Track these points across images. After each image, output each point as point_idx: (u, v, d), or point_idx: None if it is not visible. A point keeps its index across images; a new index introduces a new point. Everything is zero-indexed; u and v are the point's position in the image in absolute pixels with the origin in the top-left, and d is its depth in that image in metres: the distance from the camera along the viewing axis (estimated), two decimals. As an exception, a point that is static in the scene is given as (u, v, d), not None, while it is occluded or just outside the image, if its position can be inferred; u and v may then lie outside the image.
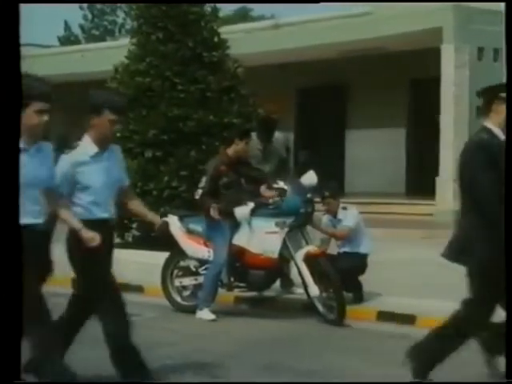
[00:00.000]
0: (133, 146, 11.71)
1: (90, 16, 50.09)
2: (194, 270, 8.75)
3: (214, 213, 8.23)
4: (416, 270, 11.04)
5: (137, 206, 6.10)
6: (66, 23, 50.62)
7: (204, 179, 8.43)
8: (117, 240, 12.49)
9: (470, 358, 5.92)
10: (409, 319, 8.02)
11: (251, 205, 8.29)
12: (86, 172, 5.64)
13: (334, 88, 20.86)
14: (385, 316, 8.20)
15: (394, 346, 7.29)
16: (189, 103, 11.69)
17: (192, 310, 8.50)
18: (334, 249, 9.05)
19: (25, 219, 4.95)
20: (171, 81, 11.81)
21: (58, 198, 5.44)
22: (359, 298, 8.75)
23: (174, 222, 8.73)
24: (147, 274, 9.79)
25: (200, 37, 12.11)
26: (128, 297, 9.53)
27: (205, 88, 11.85)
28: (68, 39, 49.24)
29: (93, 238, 5.45)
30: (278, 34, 19.33)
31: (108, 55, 16.01)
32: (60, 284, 10.46)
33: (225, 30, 16.34)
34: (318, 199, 8.81)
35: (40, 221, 5.20)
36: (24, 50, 18.64)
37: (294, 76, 20.81)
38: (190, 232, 8.64)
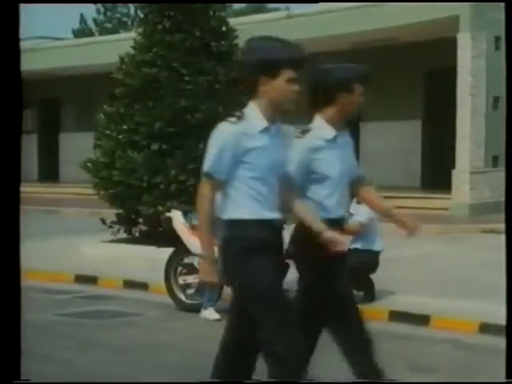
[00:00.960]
0: (139, 139, 11.50)
1: (102, 9, 49.95)
2: (197, 267, 8.39)
3: None
4: (431, 267, 10.70)
5: (370, 194, 5.03)
6: (81, 16, 50.69)
7: None
8: (123, 235, 12.34)
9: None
10: (422, 320, 7.65)
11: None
12: (322, 159, 4.69)
13: (347, 80, 20.50)
14: (397, 316, 7.83)
15: (407, 348, 6.96)
16: (196, 94, 11.41)
17: (197, 309, 8.17)
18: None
19: (269, 213, 4.24)
20: (178, 71, 11.52)
21: (293, 188, 4.53)
22: (371, 296, 8.39)
23: (177, 217, 8.40)
24: (152, 271, 9.46)
25: (208, 26, 11.80)
26: (132, 294, 9.38)
27: (213, 79, 11.55)
28: (82, 32, 49.20)
29: (342, 241, 4.52)
30: (289, 25, 18.95)
31: (120, 47, 15.72)
32: (63, 281, 10.23)
33: (236, 22, 16.00)
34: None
35: (279, 215, 4.36)
36: (37, 43, 18.39)
37: (305, 68, 20.46)
38: (194, 228, 8.29)
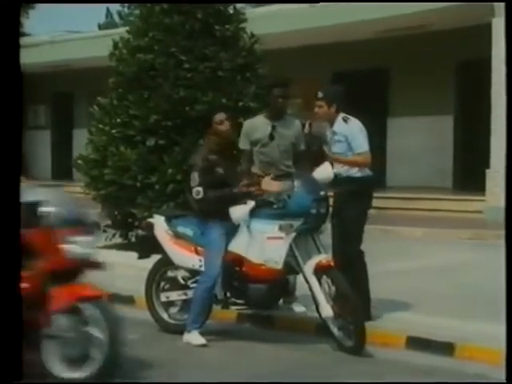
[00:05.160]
0: (133, 134, 10.55)
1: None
2: (182, 282, 7.21)
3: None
4: (459, 279, 9.40)
5: None
6: (107, 10, 50.40)
7: (196, 175, 6.88)
8: (118, 240, 11.20)
9: None
10: (445, 348, 6.37)
11: (251, 203, 6.73)
12: None
13: (373, 72, 19.28)
14: (416, 343, 6.56)
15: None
16: (197, 84, 10.37)
17: (181, 331, 7.00)
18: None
19: None
20: (177, 58, 10.49)
21: None
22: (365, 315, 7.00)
23: (159, 224, 7.22)
24: (142, 282, 8.27)
25: (211, 7, 10.72)
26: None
27: (216, 66, 10.51)
28: (108, 26, 48.65)
29: None
30: (311, 13, 17.78)
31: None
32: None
33: (259, 11, 14.95)
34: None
35: None
36: (55, 36, 17.28)
37: (329, 58, 19.29)
38: (178, 236, 7.11)
